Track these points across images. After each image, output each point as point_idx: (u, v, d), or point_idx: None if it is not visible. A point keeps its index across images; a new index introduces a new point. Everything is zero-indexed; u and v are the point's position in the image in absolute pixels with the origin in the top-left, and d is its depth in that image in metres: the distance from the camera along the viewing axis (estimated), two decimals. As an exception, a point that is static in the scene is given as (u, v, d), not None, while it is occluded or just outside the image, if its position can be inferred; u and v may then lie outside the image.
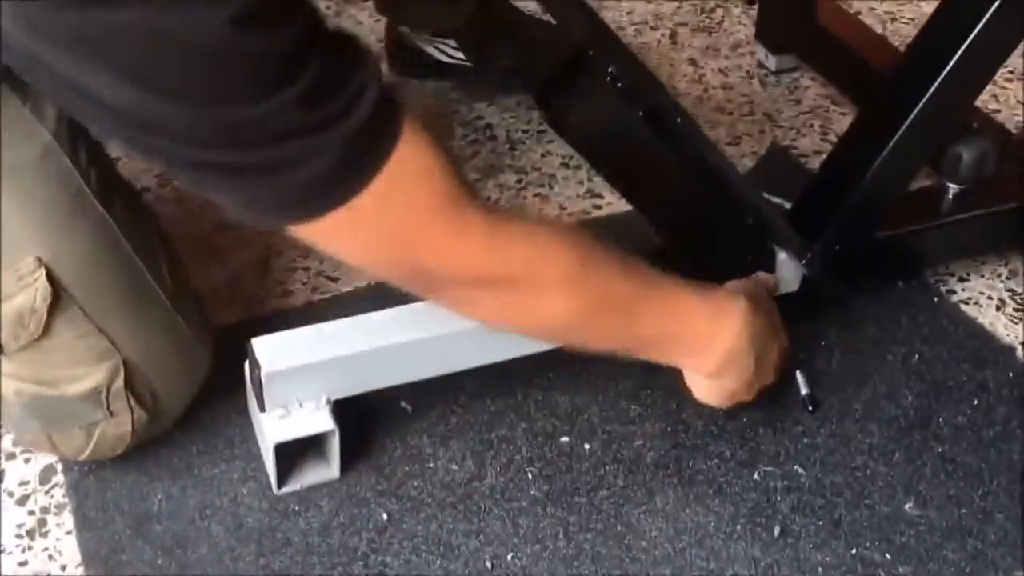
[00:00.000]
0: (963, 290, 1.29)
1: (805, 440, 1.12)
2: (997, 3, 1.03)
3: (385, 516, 1.04)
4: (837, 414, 1.14)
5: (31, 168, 0.93)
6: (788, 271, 1.14)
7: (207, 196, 0.79)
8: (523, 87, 1.53)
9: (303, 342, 1.04)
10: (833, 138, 1.49)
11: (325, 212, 0.76)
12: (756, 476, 1.08)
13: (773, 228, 1.13)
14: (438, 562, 1.01)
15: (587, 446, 1.11)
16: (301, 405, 1.03)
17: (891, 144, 1.09)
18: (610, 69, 0.94)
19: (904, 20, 1.72)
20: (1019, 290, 1.29)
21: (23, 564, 1.01)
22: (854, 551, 1.02)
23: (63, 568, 1.01)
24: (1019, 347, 1.22)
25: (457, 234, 0.82)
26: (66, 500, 1.06)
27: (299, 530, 1.03)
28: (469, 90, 1.56)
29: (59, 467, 1.08)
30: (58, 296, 0.96)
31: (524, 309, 0.89)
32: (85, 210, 0.97)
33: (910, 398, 1.16)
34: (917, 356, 1.20)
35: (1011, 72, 1.59)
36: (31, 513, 1.05)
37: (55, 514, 1.05)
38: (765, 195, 1.29)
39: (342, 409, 1.05)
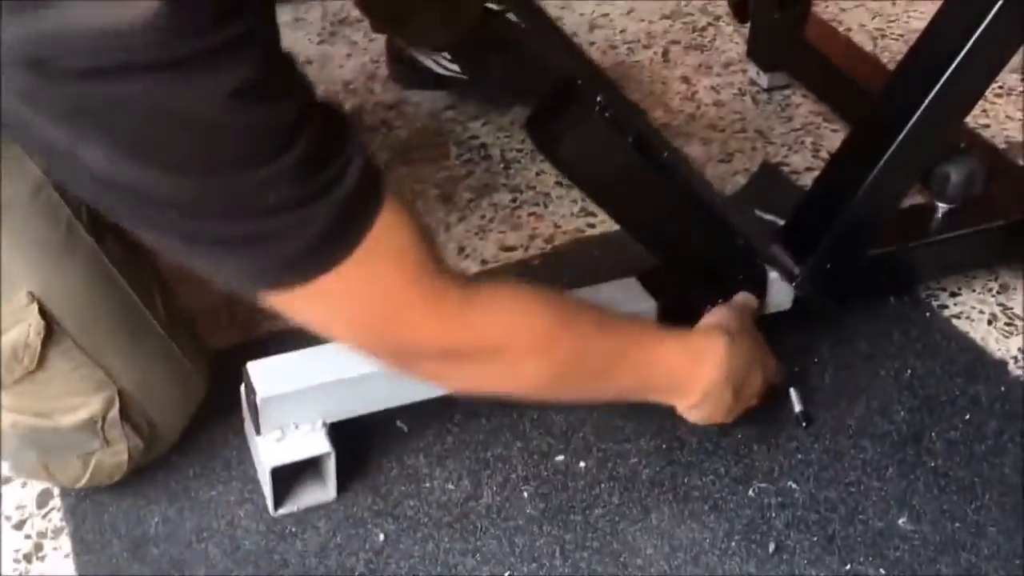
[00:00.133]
0: (955, 305, 1.29)
1: (799, 456, 1.12)
2: (986, 22, 1.04)
3: (382, 537, 1.05)
4: (831, 430, 1.15)
5: (22, 204, 0.94)
6: (779, 290, 1.15)
7: (185, 263, 0.77)
8: (516, 101, 1.54)
9: (299, 366, 1.04)
10: (825, 155, 1.50)
11: (304, 282, 0.75)
12: (751, 492, 1.09)
13: (763, 250, 1.14)
14: (435, 582, 1.01)
15: (582, 464, 1.11)
16: (297, 427, 1.04)
17: (881, 163, 1.10)
18: (598, 98, 0.96)
19: (893, 36, 1.73)
20: (1010, 304, 1.30)
21: (21, 588, 1.02)
22: (848, 567, 1.03)
23: (61, 592, 1.01)
24: (1010, 361, 1.23)
25: (431, 308, 0.82)
26: (63, 524, 1.06)
27: (296, 552, 1.03)
28: (467, 104, 1.58)
29: (56, 491, 1.09)
30: (51, 330, 0.97)
31: (500, 377, 0.90)
32: (76, 244, 0.98)
33: (903, 413, 1.17)
34: (909, 371, 1.21)
35: (1000, 87, 1.60)
36: (28, 537, 1.06)
37: (52, 538, 1.06)
38: (757, 212, 1.30)
39: (338, 429, 1.05)
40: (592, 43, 1.72)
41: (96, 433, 1.01)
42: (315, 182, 0.72)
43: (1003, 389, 1.19)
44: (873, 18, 1.78)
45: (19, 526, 1.07)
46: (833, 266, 1.15)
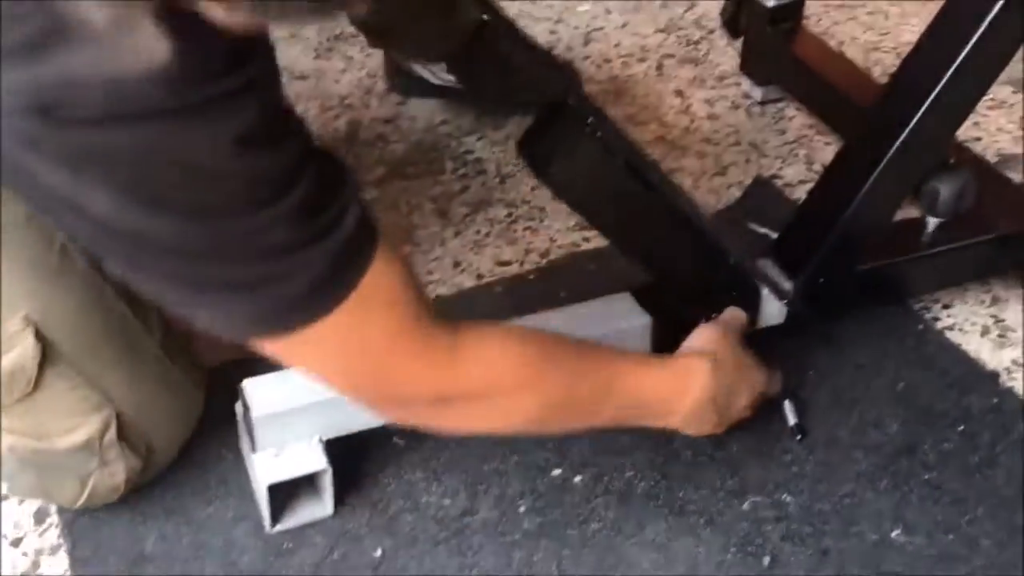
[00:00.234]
0: (948, 317, 1.30)
1: (793, 468, 1.13)
2: (977, 35, 1.05)
3: (379, 552, 1.05)
4: (824, 442, 1.15)
5: (17, 228, 0.94)
6: (773, 306, 1.16)
7: (184, 314, 0.77)
8: (513, 111, 1.55)
9: (294, 383, 1.04)
10: (818, 167, 1.50)
11: (297, 328, 0.75)
12: (745, 506, 1.09)
13: (755, 267, 1.14)
14: (431, 597, 1.02)
15: (578, 478, 1.12)
16: (293, 444, 1.04)
17: (873, 177, 1.11)
18: (588, 120, 0.97)
19: (885, 50, 1.74)
20: (1003, 316, 1.30)
21: (19, 606, 1.02)
22: (843, 580, 1.03)
23: (59, 609, 1.02)
24: (1003, 373, 1.23)
25: (422, 356, 0.83)
26: (60, 541, 1.07)
27: (293, 568, 1.04)
28: (462, 118, 1.58)
29: (53, 508, 1.09)
30: (47, 352, 0.97)
31: (492, 417, 0.91)
32: (71, 266, 0.98)
33: (896, 425, 1.17)
34: (903, 383, 1.22)
35: (992, 99, 1.61)
36: (25, 555, 1.06)
37: (49, 555, 1.06)
38: (750, 225, 1.31)
39: (335, 445, 1.06)
40: (587, 57, 1.73)
41: (94, 454, 1.02)
42: (314, 226, 0.72)
43: (996, 401, 1.20)
44: (865, 31, 1.78)
45: (16, 543, 1.07)
46: (825, 280, 1.15)
